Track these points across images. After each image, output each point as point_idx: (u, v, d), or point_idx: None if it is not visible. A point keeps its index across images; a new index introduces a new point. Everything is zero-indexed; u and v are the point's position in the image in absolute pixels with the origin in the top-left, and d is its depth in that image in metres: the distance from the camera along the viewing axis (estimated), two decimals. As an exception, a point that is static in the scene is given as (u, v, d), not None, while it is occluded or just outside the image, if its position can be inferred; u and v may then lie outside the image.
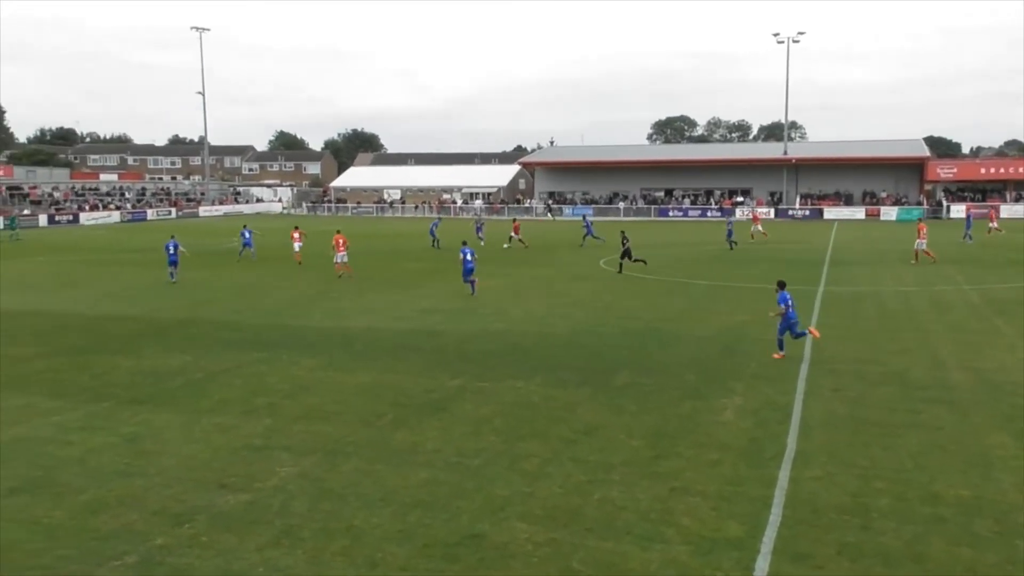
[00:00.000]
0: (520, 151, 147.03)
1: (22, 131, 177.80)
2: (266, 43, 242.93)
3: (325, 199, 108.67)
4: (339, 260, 33.61)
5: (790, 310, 17.82)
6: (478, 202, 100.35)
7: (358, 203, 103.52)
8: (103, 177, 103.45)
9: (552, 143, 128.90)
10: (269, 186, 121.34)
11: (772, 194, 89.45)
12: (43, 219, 73.76)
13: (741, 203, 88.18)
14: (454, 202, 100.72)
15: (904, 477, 10.90)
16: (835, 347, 19.01)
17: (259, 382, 16.25)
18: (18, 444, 12.50)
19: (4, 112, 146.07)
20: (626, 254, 34.85)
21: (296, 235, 40.73)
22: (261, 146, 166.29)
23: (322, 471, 11.27)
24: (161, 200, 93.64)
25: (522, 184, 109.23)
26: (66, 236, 61.26)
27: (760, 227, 53.52)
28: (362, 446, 12.33)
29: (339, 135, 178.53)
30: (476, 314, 24.17)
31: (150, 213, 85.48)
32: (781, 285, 18.51)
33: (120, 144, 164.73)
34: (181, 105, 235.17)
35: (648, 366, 17.35)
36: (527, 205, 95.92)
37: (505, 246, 45.62)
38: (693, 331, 21.35)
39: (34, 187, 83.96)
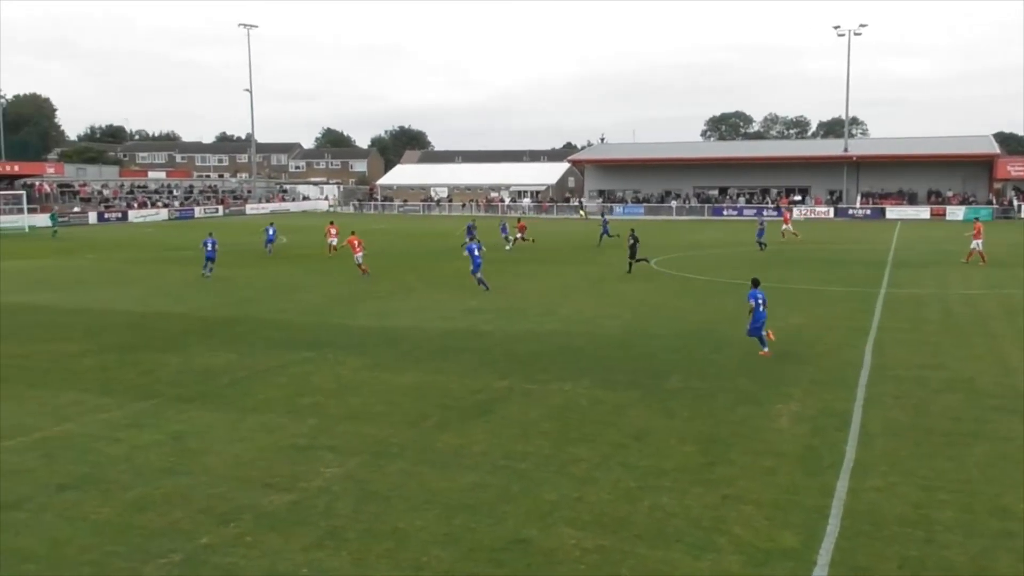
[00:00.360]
0: (570, 148, 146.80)
1: (73, 129, 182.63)
2: (313, 40, 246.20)
3: (372, 197, 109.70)
4: (357, 260, 33.71)
5: (760, 309, 18.18)
6: (527, 200, 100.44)
7: (405, 201, 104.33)
8: (151, 175, 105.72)
9: (603, 140, 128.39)
10: (315, 184, 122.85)
11: (831, 193, 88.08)
12: (93, 216, 75.57)
13: (799, 202, 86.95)
14: (502, 200, 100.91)
15: (970, 489, 10.64)
16: (897, 352, 18.64)
17: (304, 381, 16.45)
18: (68, 440, 12.82)
19: (55, 110, 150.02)
20: (632, 252, 34.67)
21: (332, 230, 41.86)
22: (308, 144, 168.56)
23: (367, 472, 11.36)
24: (208, 198, 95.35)
25: (571, 182, 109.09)
26: (115, 233, 62.68)
27: (791, 227, 53.12)
28: (407, 447, 12.40)
29: (386, 132, 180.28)
30: (524, 314, 24.18)
31: (197, 211, 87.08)
32: (754, 283, 18.86)
33: (168, 142, 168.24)
34: (228, 102, 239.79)
35: (700, 369, 17.19)
36: (576, 203, 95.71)
37: (507, 248, 44.69)
38: (748, 334, 21.06)
39: (84, 184, 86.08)
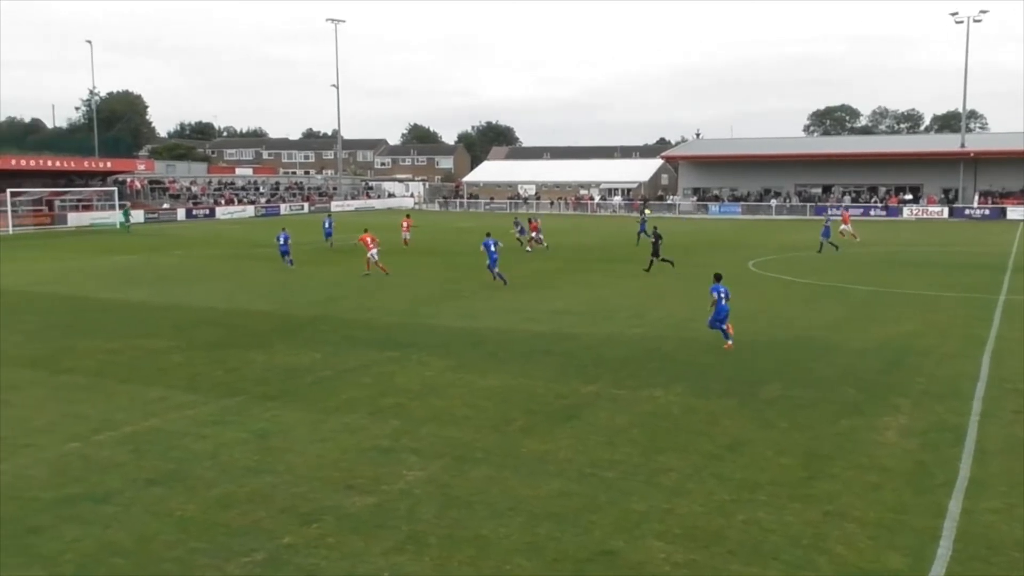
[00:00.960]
0: (663, 144, 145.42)
1: (163, 126, 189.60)
2: (401, 35, 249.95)
3: (457, 194, 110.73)
4: (370, 257, 33.78)
5: (722, 302, 19.57)
6: (617, 199, 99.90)
7: (491, 198, 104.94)
8: (239, 171, 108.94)
9: (698, 135, 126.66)
10: (401, 180, 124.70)
11: (946, 191, 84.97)
12: (181, 213, 78.30)
13: (909, 201, 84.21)
14: (591, 198, 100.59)
15: (1099, 513, 10.14)
16: (1017, 363, 17.87)
17: (388, 382, 16.71)
18: (155, 436, 13.32)
19: (147, 107, 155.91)
20: (655, 251, 34.63)
21: (406, 224, 42.96)
22: (394, 140, 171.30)
23: (450, 476, 11.47)
24: (294, 195, 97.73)
25: (665, 179, 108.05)
26: (202, 230, 64.84)
27: (850, 227, 52.20)
28: (491, 452, 12.47)
29: (473, 128, 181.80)
30: (612, 317, 24.06)
31: (283, 208, 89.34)
32: (717, 278, 20.22)
33: (255, 138, 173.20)
34: (315, 99, 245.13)
35: (801, 378, 16.80)
36: (670, 201, 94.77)
37: (528, 249, 43.97)
38: (852, 341, 20.53)
39: (173, 181, 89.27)
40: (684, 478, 11.37)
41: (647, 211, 55.61)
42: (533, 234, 45.63)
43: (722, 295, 19.69)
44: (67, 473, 11.64)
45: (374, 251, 33.91)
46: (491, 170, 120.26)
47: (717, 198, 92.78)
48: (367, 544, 9.40)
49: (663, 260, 34.86)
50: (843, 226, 51.95)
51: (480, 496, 10.76)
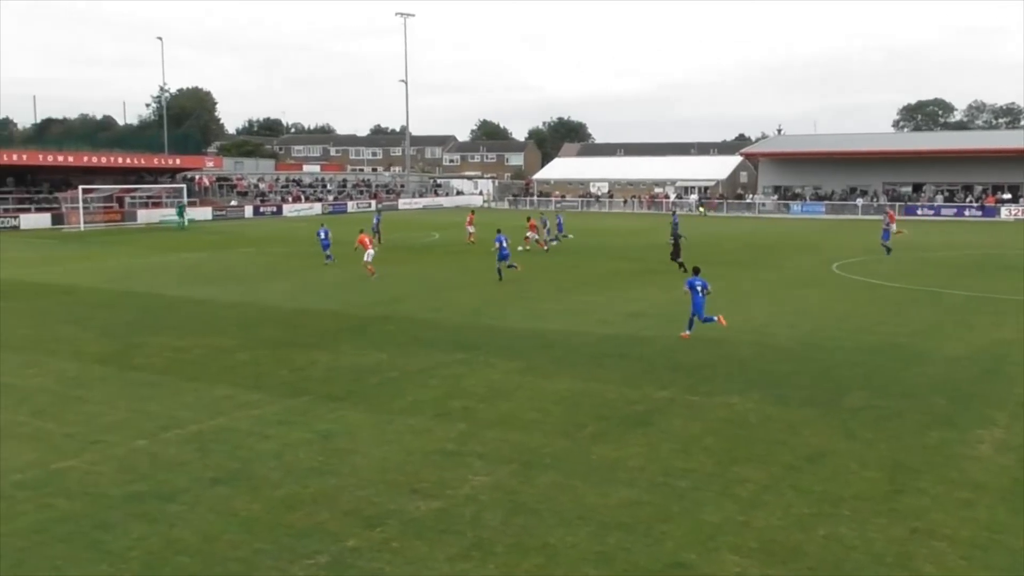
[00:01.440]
0: (742, 140, 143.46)
1: (232, 122, 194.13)
2: (471, 28, 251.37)
3: (527, 192, 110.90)
4: (368, 257, 33.88)
5: (696, 295, 20.78)
6: (693, 197, 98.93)
7: (562, 196, 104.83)
8: (306, 168, 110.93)
9: (779, 131, 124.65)
10: (470, 178, 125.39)
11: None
12: (248, 210, 79.98)
13: (1008, 200, 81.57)
14: (666, 196, 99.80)
15: None
16: None
17: (454, 384, 16.83)
18: (220, 434, 13.65)
19: (216, 103, 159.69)
20: (676, 253, 35.31)
21: (469, 219, 45.34)
22: (463, 136, 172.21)
23: (517, 482, 11.50)
24: (361, 192, 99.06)
25: (744, 177, 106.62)
26: (269, 228, 66.14)
27: (895, 226, 51.28)
28: (560, 458, 12.47)
29: (544, 124, 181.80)
30: (683, 320, 23.82)
31: (350, 205, 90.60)
32: (695, 271, 21.98)
33: (323, 135, 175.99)
34: (383, 94, 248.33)
35: (887, 387, 16.42)
36: (749, 200, 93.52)
37: (520, 248, 43.26)
38: (944, 349, 19.99)
39: (241, 178, 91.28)
40: (761, 490, 11.21)
41: (676, 212, 56.09)
42: (529, 234, 44.88)
43: (698, 288, 21.00)
44: (135, 470, 12.00)
45: (371, 251, 34.21)
46: (562, 167, 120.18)
47: (799, 197, 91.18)
48: (431, 550, 9.48)
49: (679, 263, 34.95)
50: (890, 225, 51.74)
51: (548, 503, 10.77)
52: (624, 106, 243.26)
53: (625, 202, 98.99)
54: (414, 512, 10.53)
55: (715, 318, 21.19)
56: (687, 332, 21.29)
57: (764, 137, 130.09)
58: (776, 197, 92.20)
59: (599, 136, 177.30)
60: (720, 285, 31.34)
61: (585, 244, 49.16)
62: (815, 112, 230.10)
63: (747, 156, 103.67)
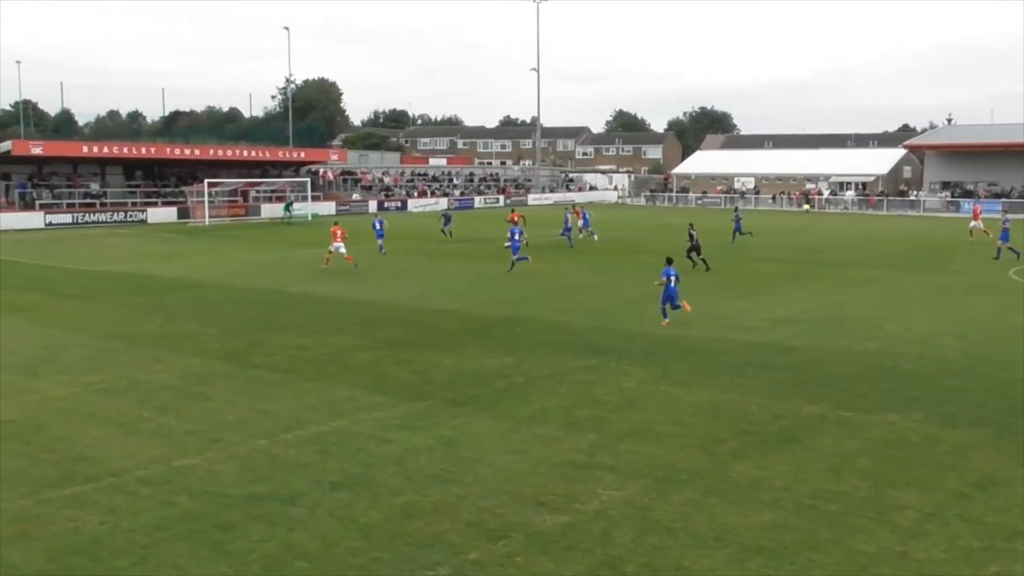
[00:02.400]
0: (907, 132, 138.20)
1: (357, 114, 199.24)
2: (606, 14, 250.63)
3: (666, 187, 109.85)
4: (333, 249, 36.51)
5: (671, 284, 23.45)
6: (850, 194, 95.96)
7: (704, 192, 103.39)
8: (432, 162, 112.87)
9: (949, 121, 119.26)
10: (604, 172, 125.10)
11: None
12: (372, 205, 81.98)
13: None
14: (819, 193, 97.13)
15: None
16: None
17: (584, 392, 16.83)
18: (341, 437, 14.05)
19: (341, 94, 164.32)
20: (694, 249, 35.94)
21: (575, 213, 48.17)
22: (597, 128, 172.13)
23: (649, 499, 11.42)
24: (489, 186, 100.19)
25: (907, 172, 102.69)
26: (393, 223, 67.59)
27: (981, 224, 50.42)
28: (697, 474, 12.32)
29: (685, 114, 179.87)
30: (841, 328, 23.16)
31: (477, 200, 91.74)
32: (668, 261, 24.13)
33: (450, 126, 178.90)
34: (513, 84, 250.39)
35: (1072, 408, 15.52)
36: (913, 197, 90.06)
37: (506, 245, 43.35)
38: None
39: (365, 172, 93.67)
40: (923, 518, 10.79)
41: (738, 207, 55.69)
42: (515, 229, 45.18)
43: (672, 277, 23.65)
44: (255, 471, 12.49)
45: (339, 244, 36.39)
46: (704, 161, 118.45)
47: (971, 194, 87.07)
48: (557, 566, 9.51)
49: (692, 259, 35.82)
50: (973, 223, 51.28)
51: (683, 522, 10.66)
52: (773, 95, 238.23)
53: (773, 199, 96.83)
54: (540, 526, 10.58)
55: (682, 304, 23.71)
56: (666, 320, 23.67)
57: (932, 128, 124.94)
58: (945, 194, 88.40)
59: (745, 127, 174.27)
60: (879, 290, 30.35)
61: (727, 244, 48.33)
62: (991, 100, 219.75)
63: (911, 149, 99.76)
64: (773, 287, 31.23)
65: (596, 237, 49.43)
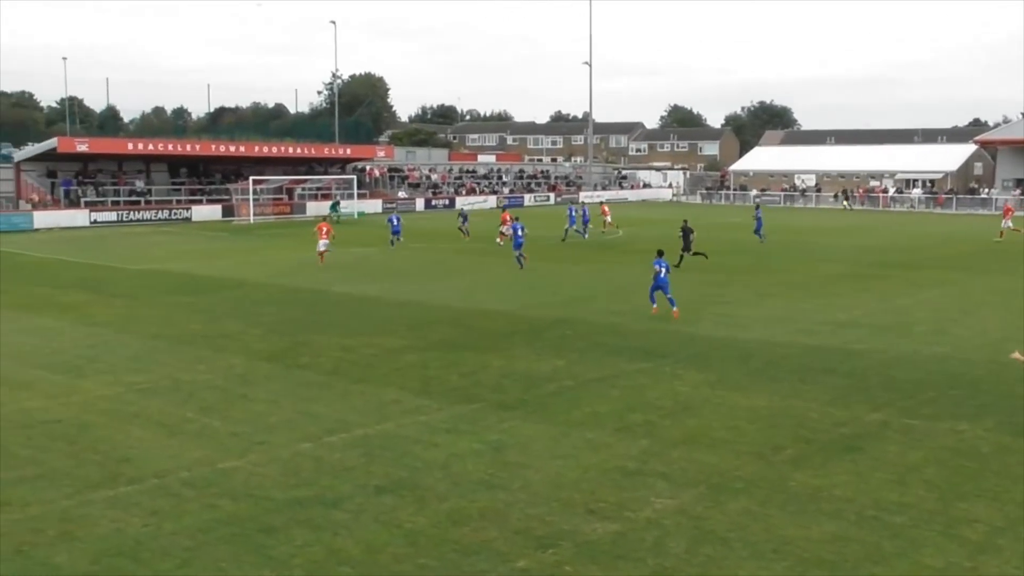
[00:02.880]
0: (978, 126, 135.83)
1: (404, 109, 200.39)
2: (660, 5, 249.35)
3: (723, 185, 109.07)
4: (322, 247, 37.88)
5: (661, 275, 24.95)
6: (916, 191, 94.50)
7: (762, 190, 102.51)
8: (481, 158, 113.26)
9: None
10: (658, 169, 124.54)
11: None
12: (420, 203, 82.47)
13: None
14: (884, 191, 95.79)
15: None
16: None
17: (637, 396, 16.78)
18: (387, 440, 14.15)
19: (388, 89, 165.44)
20: (686, 244, 36.82)
21: (605, 208, 51.76)
22: (651, 123, 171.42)
23: (703, 507, 11.35)
24: (539, 184, 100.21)
25: (978, 168, 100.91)
26: (441, 222, 67.93)
27: (1011, 223, 50.41)
28: (753, 483, 12.23)
29: (743, 109, 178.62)
30: (907, 332, 22.83)
31: (527, 198, 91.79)
32: (659, 253, 25.73)
33: (500, 122, 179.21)
34: (564, 78, 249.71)
35: None
36: (985, 195, 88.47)
37: (499, 241, 45.45)
38: None
39: (413, 169, 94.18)
40: (994, 532, 10.60)
41: (759, 207, 55.67)
42: (504, 228, 45.96)
43: (663, 268, 25.12)
44: (299, 474, 12.62)
45: (325, 241, 37.90)
46: (763, 157, 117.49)
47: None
48: (608, 576, 9.49)
49: (695, 254, 36.89)
50: (1004, 222, 51.38)
51: (738, 533, 10.58)
52: (835, 89, 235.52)
53: (835, 197, 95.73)
54: (590, 534, 10.56)
55: (669, 297, 25.07)
56: (655, 306, 25.37)
57: (1006, 122, 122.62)
58: (1018, 191, 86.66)
59: (806, 123, 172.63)
60: (948, 293, 29.87)
61: (788, 244, 47.89)
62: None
63: (983, 144, 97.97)
64: (835, 289, 30.86)
65: (586, 236, 50.34)
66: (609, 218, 53.97)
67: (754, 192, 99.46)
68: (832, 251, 44.01)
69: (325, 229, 38.64)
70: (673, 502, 11.55)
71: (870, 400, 16.37)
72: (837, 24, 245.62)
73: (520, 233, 36.92)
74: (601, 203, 53.39)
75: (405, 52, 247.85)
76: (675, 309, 24.78)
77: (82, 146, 64.71)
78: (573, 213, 50.98)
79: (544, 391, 17.24)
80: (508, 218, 46.18)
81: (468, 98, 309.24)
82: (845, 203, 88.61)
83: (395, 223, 45.60)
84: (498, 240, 46.50)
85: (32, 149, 65.93)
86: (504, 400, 16.54)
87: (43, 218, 59.20)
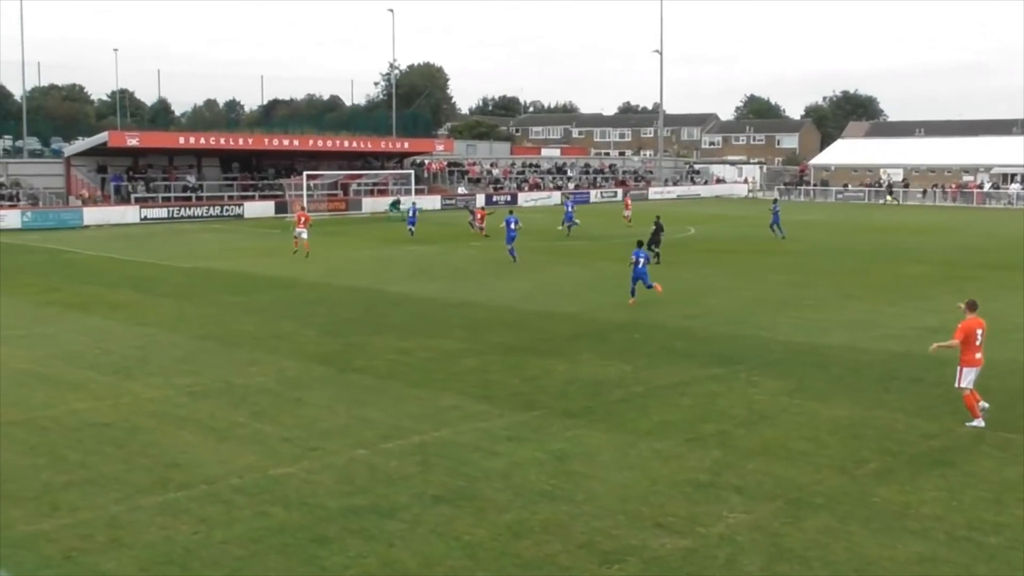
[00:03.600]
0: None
1: (465, 101, 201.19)
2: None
3: (802, 180, 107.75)
4: (296, 234, 40.89)
5: (639, 265, 27.33)
6: (1015, 187, 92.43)
7: (845, 185, 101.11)
8: (544, 152, 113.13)
9: None
10: (733, 163, 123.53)
11: None
12: (480, 199, 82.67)
13: None
14: (978, 186, 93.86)
15: None
16: None
17: (709, 404, 16.68)
18: (444, 448, 14.23)
19: (448, 80, 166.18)
20: (654, 241, 37.56)
21: (628, 203, 55.39)
22: (726, 115, 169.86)
23: (780, 523, 11.25)
24: (606, 179, 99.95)
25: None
26: (502, 219, 67.96)
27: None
28: (834, 498, 12.09)
29: (824, 99, 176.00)
30: (1005, 339, 22.33)
31: (593, 194, 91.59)
32: (639, 244, 28.85)
33: (565, 114, 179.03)
34: (633, 68, 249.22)
35: None
36: (885, 186, 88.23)
37: (472, 225, 48.04)
38: None
39: (473, 163, 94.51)
40: (1098, 555, 10.34)
41: (777, 201, 55.68)
42: (478, 224, 50.92)
43: (641, 259, 27.65)
44: (353, 482, 12.74)
45: (302, 230, 40.63)
46: (847, 150, 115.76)
47: None
48: (678, 595, 9.43)
49: (652, 251, 36.95)
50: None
51: (818, 551, 10.47)
52: (925, 77, 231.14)
53: (925, 192, 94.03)
54: (658, 550, 10.52)
55: (653, 285, 27.61)
56: (633, 299, 27.33)
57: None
58: (890, 181, 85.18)
59: (893, 113, 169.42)
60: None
61: (874, 243, 47.18)
62: None
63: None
64: (923, 291, 30.35)
65: (566, 229, 51.52)
66: (629, 212, 56.45)
67: (777, 189, 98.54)
68: (921, 252, 43.28)
69: (303, 219, 41.34)
70: (748, 517, 11.46)
71: (961, 411, 16.02)
72: (928, 9, 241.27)
73: (513, 227, 38.62)
74: (625, 195, 54.93)
75: (465, 41, 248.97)
76: (657, 285, 27.69)
77: (133, 140, 66.06)
78: (570, 207, 53.34)
79: (611, 398, 17.21)
80: (483, 215, 50.95)
81: (531, 89, 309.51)
82: (889, 197, 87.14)
83: (411, 214, 51.43)
84: (472, 230, 49.89)
85: (82, 144, 67.51)
86: (568, 407, 16.53)
87: (93, 215, 60.56)
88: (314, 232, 54.81)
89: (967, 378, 15.47)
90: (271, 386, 18.13)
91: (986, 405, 15.58)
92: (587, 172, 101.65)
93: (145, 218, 62.71)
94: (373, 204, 73.53)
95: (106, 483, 12.72)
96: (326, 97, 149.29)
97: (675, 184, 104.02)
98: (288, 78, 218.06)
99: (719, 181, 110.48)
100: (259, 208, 68.63)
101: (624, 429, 15.19)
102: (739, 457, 13.74)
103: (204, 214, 65.88)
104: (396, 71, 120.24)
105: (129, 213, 62.45)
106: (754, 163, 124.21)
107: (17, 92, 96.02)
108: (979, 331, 15.78)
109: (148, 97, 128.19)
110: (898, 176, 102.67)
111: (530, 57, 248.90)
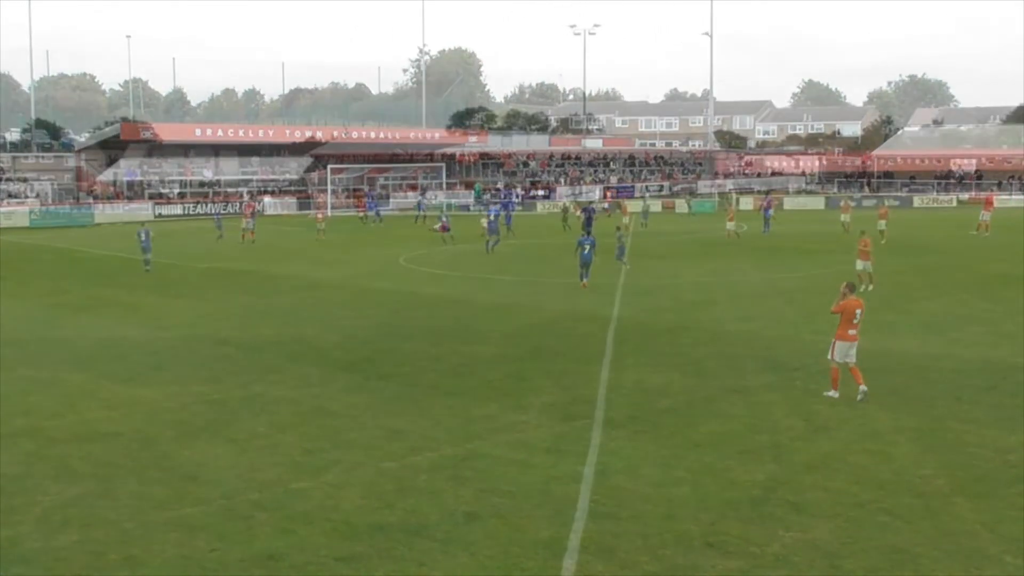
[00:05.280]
0: None
1: (499, 88, 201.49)
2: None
3: (864, 172, 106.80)
4: (244, 226, 46.12)
5: (585, 251, 31.56)
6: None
7: (911, 178, 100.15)
8: (585, 143, 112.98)
9: None
10: (789, 154, 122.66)
11: None
12: (514, 193, 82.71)
13: None
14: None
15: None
16: None
17: (764, 414, 16.59)
18: (477, 461, 14.23)
19: (481, 66, 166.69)
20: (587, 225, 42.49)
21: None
22: (781, 102, 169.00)
23: (840, 543, 11.17)
24: (652, 172, 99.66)
25: None
26: (537, 218, 68.08)
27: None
28: (899, 516, 11.97)
29: (889, 84, 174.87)
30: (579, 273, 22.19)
31: (637, 188, 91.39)
32: (587, 232, 34.63)
33: (607, 102, 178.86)
34: (682, 52, 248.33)
35: None
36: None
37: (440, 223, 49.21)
38: None
39: (508, 155, 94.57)
40: None
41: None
42: (437, 226, 51.51)
43: (587, 246, 31.75)
44: (380, 497, 12.77)
45: (249, 221, 45.15)
46: (912, 140, 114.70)
47: None
48: (729, 620, 9.40)
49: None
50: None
51: (882, 573, 10.39)
52: (1001, 59, 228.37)
53: (999, 185, 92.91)
54: (709, 571, 10.49)
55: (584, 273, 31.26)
56: (584, 281, 31.13)
57: None
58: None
59: (964, 99, 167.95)
60: None
61: (947, 240, 46.73)
62: None
63: None
64: (1001, 293, 29.98)
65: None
66: (627, 217, 56.86)
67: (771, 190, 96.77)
68: (999, 249, 42.77)
69: (251, 210, 46.31)
70: (804, 535, 11.38)
71: (1042, 424, 15.88)
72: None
73: (494, 219, 42.97)
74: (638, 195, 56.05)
75: (499, 23, 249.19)
76: (584, 282, 31.05)
77: (147, 132, 66.82)
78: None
79: (657, 407, 17.16)
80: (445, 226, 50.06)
81: (571, 75, 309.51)
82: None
83: (422, 204, 55.88)
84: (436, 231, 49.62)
85: (94, 136, 68.32)
86: (611, 417, 16.48)
87: (105, 212, 61.27)
88: (338, 230, 55.24)
89: (840, 352, 17.48)
90: (292, 395, 18.22)
91: (865, 388, 17.17)
92: (631, 164, 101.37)
93: (159, 215, 63.40)
94: (402, 200, 73.57)
95: (120, 498, 12.82)
96: (351, 85, 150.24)
97: (727, 177, 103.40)
98: (311, 65, 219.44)
99: (774, 174, 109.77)
100: (280, 204, 69.09)
101: (671, 441, 15.12)
102: (796, 471, 13.65)
103: (222, 211, 66.43)
104: (426, 57, 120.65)
105: (143, 210, 63.11)
106: (811, 154, 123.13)
107: (24, 82, 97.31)
108: (858, 311, 17.69)
109: (163, 87, 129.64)
110: (970, 167, 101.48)
111: (572, 41, 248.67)
